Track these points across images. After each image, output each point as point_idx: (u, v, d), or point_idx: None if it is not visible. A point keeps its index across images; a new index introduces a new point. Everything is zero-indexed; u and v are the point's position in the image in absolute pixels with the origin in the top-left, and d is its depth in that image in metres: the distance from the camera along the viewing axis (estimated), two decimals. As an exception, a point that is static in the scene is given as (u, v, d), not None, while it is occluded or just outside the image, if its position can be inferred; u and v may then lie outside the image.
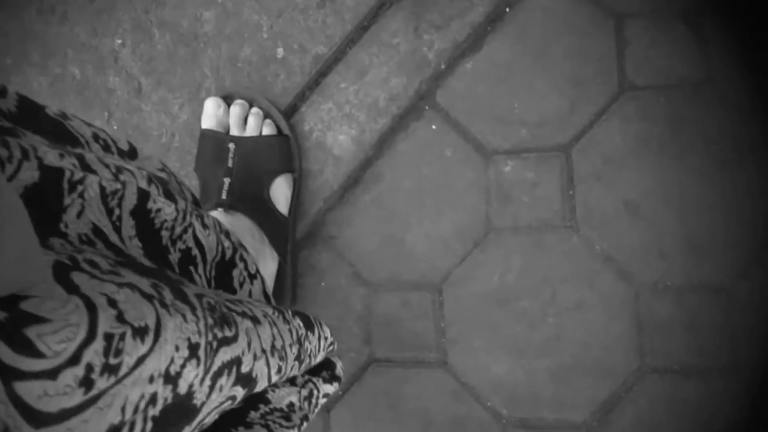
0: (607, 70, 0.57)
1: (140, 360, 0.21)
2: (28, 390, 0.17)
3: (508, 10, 0.59)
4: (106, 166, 0.30)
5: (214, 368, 0.26)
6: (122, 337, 0.21)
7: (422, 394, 0.61)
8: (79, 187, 0.25)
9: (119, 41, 0.68)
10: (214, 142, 0.59)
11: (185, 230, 0.31)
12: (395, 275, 0.62)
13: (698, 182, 0.56)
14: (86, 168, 0.28)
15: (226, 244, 0.34)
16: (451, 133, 0.60)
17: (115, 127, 0.68)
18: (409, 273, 0.61)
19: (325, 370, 0.42)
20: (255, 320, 0.30)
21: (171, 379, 0.23)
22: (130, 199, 0.28)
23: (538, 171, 0.58)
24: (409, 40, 0.61)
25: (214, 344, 0.26)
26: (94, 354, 0.20)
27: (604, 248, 0.57)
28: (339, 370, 0.43)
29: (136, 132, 0.67)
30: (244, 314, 0.29)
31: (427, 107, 0.61)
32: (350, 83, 0.62)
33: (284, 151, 0.59)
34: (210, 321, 0.26)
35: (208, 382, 0.25)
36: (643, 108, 0.56)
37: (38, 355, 0.18)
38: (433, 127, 0.61)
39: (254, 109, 0.60)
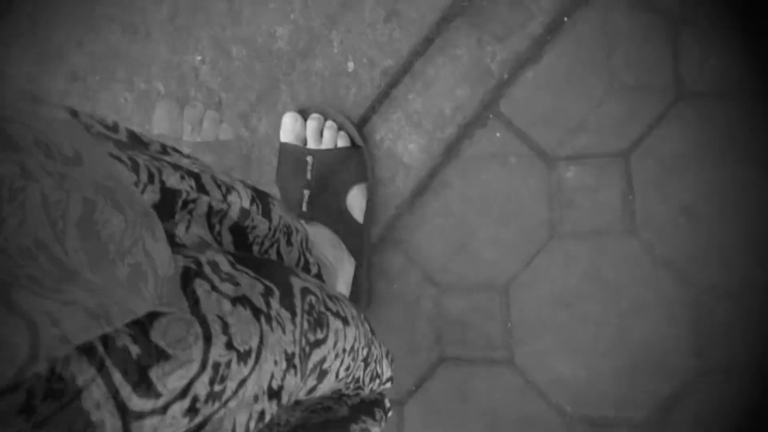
0: (665, 77, 0.82)
1: (242, 382, 0.29)
2: (141, 427, 0.23)
3: (566, 19, 0.85)
4: (218, 186, 0.48)
5: (306, 372, 0.38)
6: (228, 364, 0.28)
7: (490, 391, 0.89)
8: (191, 206, 0.42)
9: (199, 58, 1.00)
10: (293, 155, 0.89)
11: (272, 245, 0.54)
12: (463, 277, 0.90)
13: (757, 188, 0.79)
14: (201, 189, 0.46)
15: (311, 260, 0.60)
16: (515, 141, 0.87)
17: (198, 140, 1.00)
18: (476, 275, 0.89)
19: (377, 408, 0.59)
20: (345, 321, 0.48)
21: (274, 393, 0.32)
22: (231, 218, 0.47)
23: (599, 177, 0.84)
24: (472, 51, 0.88)
25: (307, 349, 0.38)
26: (201, 386, 0.26)
27: (663, 253, 0.82)
28: (387, 406, 0.61)
29: (217, 143, 0.99)
30: (337, 314, 0.48)
31: (491, 116, 0.88)
32: (417, 94, 0.90)
33: (359, 162, 0.88)
34: (305, 326, 0.40)
35: (301, 384, 0.36)
36: (701, 114, 0.81)
37: (156, 395, 0.24)
38: (498, 135, 0.88)
39: (329, 123, 0.89)
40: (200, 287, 0.34)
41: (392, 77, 0.92)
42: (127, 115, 1.06)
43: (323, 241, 0.84)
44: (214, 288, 0.34)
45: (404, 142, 0.92)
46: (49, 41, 1.08)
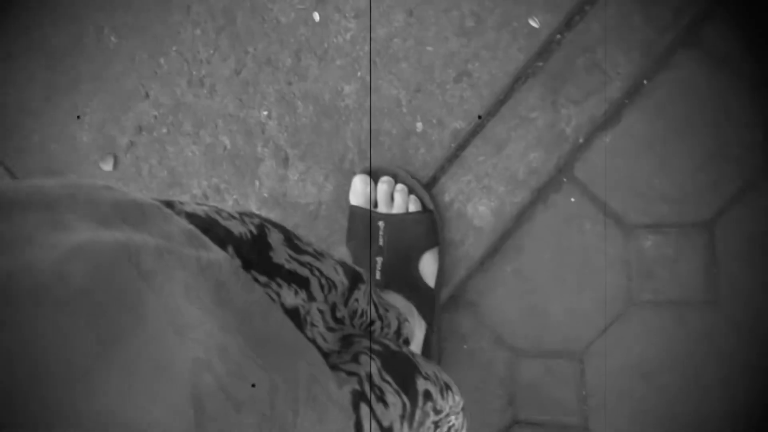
0: (751, 142, 0.82)
1: None
2: None
3: (645, 82, 0.86)
4: (321, 288, 0.55)
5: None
6: None
7: (565, 456, 0.92)
8: (307, 317, 0.52)
9: (265, 113, 1.04)
10: (365, 220, 0.92)
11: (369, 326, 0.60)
12: (537, 342, 0.92)
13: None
14: (311, 298, 0.55)
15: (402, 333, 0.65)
16: (590, 207, 0.89)
17: (265, 195, 1.04)
18: (551, 341, 0.92)
19: None
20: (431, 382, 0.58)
21: None
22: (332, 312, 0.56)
23: (680, 247, 0.85)
24: (546, 114, 0.90)
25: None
26: None
27: (748, 327, 0.83)
28: None
29: (285, 201, 1.03)
30: (426, 377, 0.57)
31: (565, 180, 0.90)
32: (489, 156, 0.93)
33: (430, 227, 0.91)
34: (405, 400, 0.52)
35: None
36: (789, 186, 0.81)
37: None
38: (572, 200, 0.89)
39: (399, 186, 0.92)
40: (365, 416, 0.40)
41: (462, 138, 0.94)
42: (195, 168, 1.10)
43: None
44: (374, 415, 0.42)
45: (475, 205, 0.95)
46: (119, 90, 1.14)
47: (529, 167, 0.94)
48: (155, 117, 1.13)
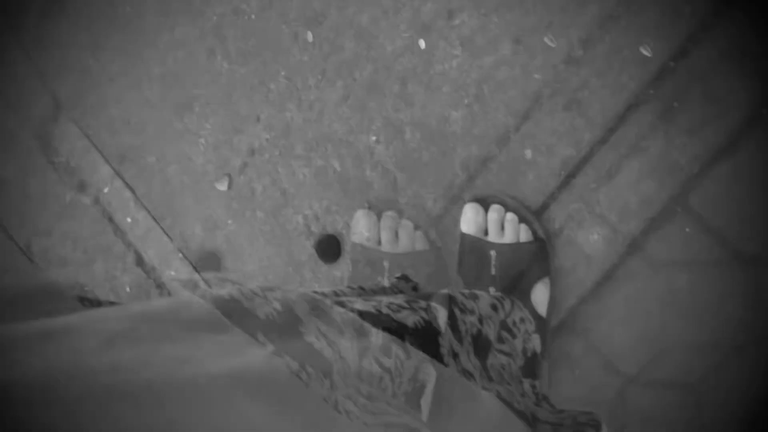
0: None
1: None
2: None
3: (765, 112, 0.88)
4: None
5: None
6: None
7: (678, 482, 0.98)
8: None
9: (374, 138, 1.11)
10: (476, 249, 0.99)
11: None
12: (649, 370, 0.97)
13: None
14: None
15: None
16: (706, 238, 0.92)
17: (399, 251, 1.12)
18: (663, 370, 0.97)
19: None
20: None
21: None
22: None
23: (801, 281, 0.88)
24: (659, 143, 0.93)
25: None
26: None
27: None
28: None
29: (415, 254, 1.10)
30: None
31: (679, 209, 0.94)
32: (600, 184, 0.97)
33: (542, 256, 0.97)
34: None
35: None
36: None
37: None
38: (687, 230, 0.93)
39: (509, 215, 0.99)
40: None
41: (573, 166, 0.99)
42: (306, 190, 1.20)
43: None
44: None
45: (585, 233, 0.99)
46: (232, 113, 1.23)
47: (641, 196, 0.97)
48: (267, 140, 1.23)
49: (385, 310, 0.53)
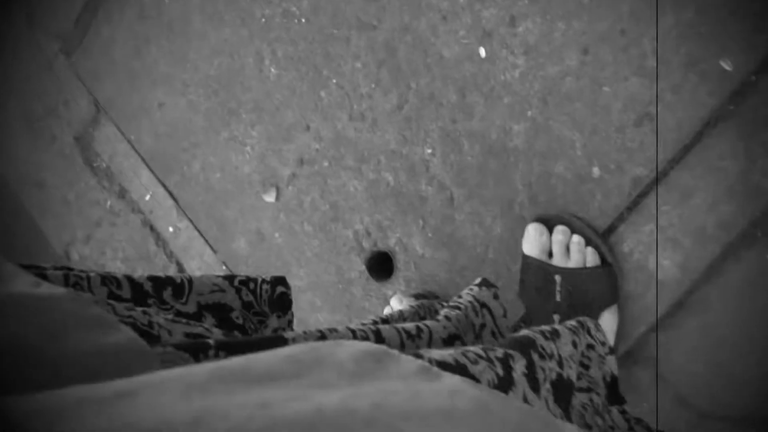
0: None
1: None
2: None
3: None
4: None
5: None
6: None
7: None
8: None
9: (429, 150, 1.10)
10: (540, 272, 0.98)
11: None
12: (724, 405, 0.95)
13: None
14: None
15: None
16: (790, 266, 0.90)
17: (429, 235, 1.12)
18: (739, 405, 0.94)
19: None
20: None
21: None
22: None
23: None
24: (738, 162, 0.91)
25: None
26: None
27: None
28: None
29: (450, 240, 1.10)
30: None
31: (760, 234, 0.91)
32: (673, 206, 0.95)
33: (611, 283, 0.96)
34: None
35: None
36: None
37: None
38: (767, 257, 0.91)
39: (576, 238, 0.97)
40: None
41: (644, 186, 0.97)
42: (357, 203, 1.19)
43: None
44: None
45: (657, 257, 0.97)
46: (280, 121, 1.24)
47: (718, 219, 0.95)
48: (317, 150, 1.23)
49: (461, 360, 0.53)
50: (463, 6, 1.08)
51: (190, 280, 0.62)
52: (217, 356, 0.42)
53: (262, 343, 0.45)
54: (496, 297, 0.82)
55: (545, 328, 0.73)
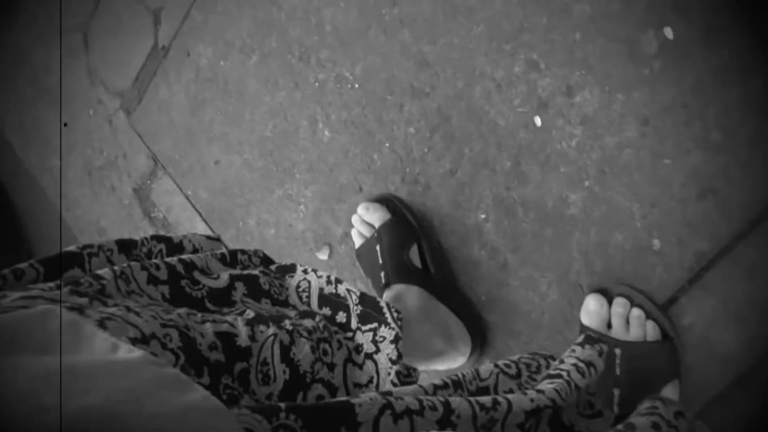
0: None
1: None
2: None
3: None
4: None
5: None
6: None
7: None
8: None
9: (483, 216, 1.05)
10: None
11: None
12: (792, 485, 0.88)
13: None
14: None
15: None
16: None
17: (483, 298, 1.05)
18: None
19: None
20: None
21: None
22: None
23: None
24: (810, 240, 0.84)
25: None
26: None
27: None
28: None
29: (504, 304, 1.04)
30: None
31: (832, 314, 0.83)
32: (738, 282, 0.88)
33: (672, 358, 0.89)
34: None
35: None
36: None
37: None
38: (840, 337, 0.83)
39: (636, 312, 0.91)
40: None
41: (707, 261, 0.90)
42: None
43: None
44: None
45: (720, 332, 0.91)
46: (333, 182, 1.19)
47: (786, 297, 0.88)
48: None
49: None
50: (518, 75, 1.02)
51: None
52: (287, 419, 0.42)
53: (328, 407, 0.45)
54: (601, 354, 0.75)
55: (619, 427, 0.66)
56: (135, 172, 1.52)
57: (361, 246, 1.12)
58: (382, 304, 0.70)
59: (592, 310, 0.96)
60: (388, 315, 0.69)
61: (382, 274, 1.05)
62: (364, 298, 0.70)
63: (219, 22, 1.31)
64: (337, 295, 0.70)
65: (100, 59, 1.53)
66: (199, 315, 0.55)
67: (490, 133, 1.06)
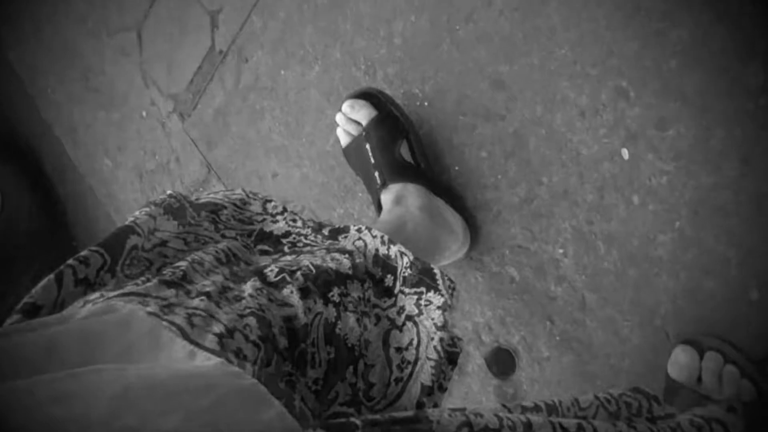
0: None
1: None
2: None
3: None
4: None
5: None
6: None
7: None
8: None
9: (561, 250, 0.99)
10: (689, 401, 0.86)
11: None
12: None
13: None
14: None
15: None
16: None
17: (557, 338, 1.01)
18: None
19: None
20: None
21: None
22: None
23: None
24: None
25: None
26: None
27: None
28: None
29: (580, 346, 0.99)
30: None
31: None
32: None
33: (764, 416, 0.83)
34: None
35: None
36: None
37: None
38: None
39: (729, 368, 0.86)
40: None
41: (811, 316, 0.83)
42: (478, 295, 1.10)
43: None
44: None
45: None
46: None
47: None
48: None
49: None
50: (605, 103, 0.96)
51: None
52: None
53: (406, 420, 0.45)
54: (730, 410, 0.71)
55: None
56: (188, 178, 1.50)
57: (349, 145, 1.10)
58: (436, 271, 0.71)
59: (682, 363, 0.90)
60: (440, 282, 0.70)
61: (376, 174, 1.04)
62: (415, 263, 0.71)
63: (280, 29, 1.26)
64: (388, 257, 0.72)
65: (154, 59, 1.50)
66: (264, 289, 0.57)
67: (571, 162, 1.00)
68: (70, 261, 0.55)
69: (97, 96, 1.60)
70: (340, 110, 1.10)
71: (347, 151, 1.11)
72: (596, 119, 0.98)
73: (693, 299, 0.93)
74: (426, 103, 1.12)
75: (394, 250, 0.72)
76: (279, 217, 0.77)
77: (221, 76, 1.37)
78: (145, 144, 1.57)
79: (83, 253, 0.57)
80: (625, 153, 0.96)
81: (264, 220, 0.76)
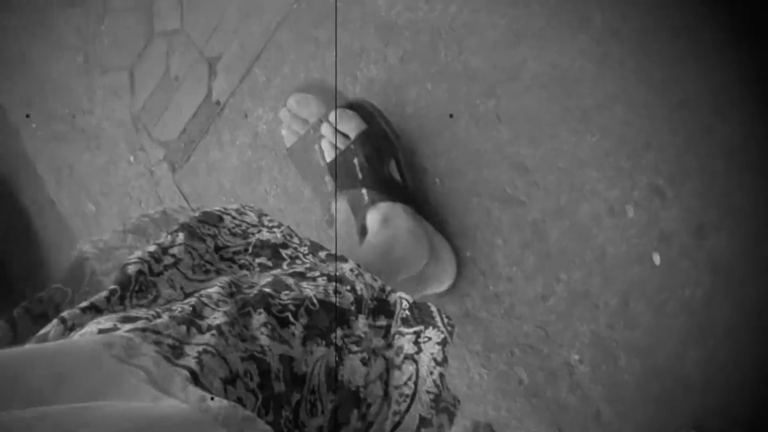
0: None
1: None
2: None
3: None
4: None
5: None
6: None
7: None
8: None
9: (576, 356, 0.90)
10: None
11: None
12: None
13: None
14: None
15: None
16: None
17: (567, 451, 0.91)
18: None
19: None
20: None
21: None
22: None
23: None
24: None
25: None
26: None
27: None
28: None
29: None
30: None
31: None
32: None
33: None
34: None
35: None
36: None
37: None
38: None
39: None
40: None
41: None
42: (481, 393, 1.01)
43: None
44: None
45: None
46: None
47: None
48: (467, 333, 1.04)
49: None
50: (637, 200, 0.88)
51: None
52: None
53: None
54: None
55: None
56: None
57: (296, 144, 1.06)
58: (433, 309, 0.71)
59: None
60: (438, 318, 0.69)
61: (364, 191, 0.98)
62: (415, 305, 0.70)
63: (284, 86, 1.18)
64: (387, 302, 0.71)
65: (146, 103, 1.41)
66: (269, 324, 0.56)
67: (595, 260, 0.92)
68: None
69: (83, 137, 1.51)
70: (284, 106, 1.05)
71: (294, 151, 1.07)
72: (625, 217, 0.89)
73: (720, 425, 0.85)
74: (437, 180, 1.04)
75: (394, 297, 0.72)
76: (276, 230, 0.75)
77: (217, 130, 1.28)
78: (131, 190, 1.48)
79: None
80: (656, 258, 0.87)
81: (260, 231, 0.75)
